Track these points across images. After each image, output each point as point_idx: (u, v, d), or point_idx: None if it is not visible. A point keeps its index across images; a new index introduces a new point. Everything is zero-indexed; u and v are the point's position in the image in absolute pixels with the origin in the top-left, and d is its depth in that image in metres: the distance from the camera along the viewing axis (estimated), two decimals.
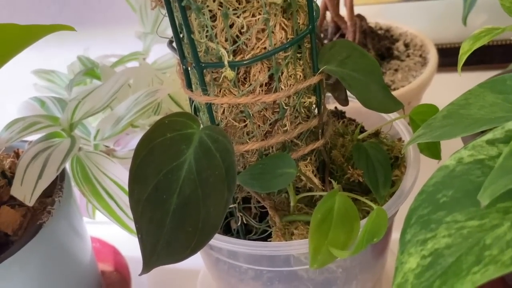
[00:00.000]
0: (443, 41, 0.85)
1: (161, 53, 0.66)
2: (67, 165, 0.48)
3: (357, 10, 0.70)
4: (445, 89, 0.60)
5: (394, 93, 0.60)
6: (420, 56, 0.68)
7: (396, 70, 0.65)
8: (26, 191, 0.41)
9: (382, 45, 0.68)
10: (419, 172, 0.39)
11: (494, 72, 0.53)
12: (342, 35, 0.68)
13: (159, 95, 0.51)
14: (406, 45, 0.70)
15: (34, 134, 0.47)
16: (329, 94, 0.41)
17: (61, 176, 0.45)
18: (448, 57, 0.76)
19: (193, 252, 0.30)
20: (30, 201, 0.40)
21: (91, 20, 0.96)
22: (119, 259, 0.58)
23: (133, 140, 0.55)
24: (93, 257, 0.52)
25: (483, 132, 0.28)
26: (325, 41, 0.70)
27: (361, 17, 0.67)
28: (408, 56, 0.68)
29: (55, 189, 0.44)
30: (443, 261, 0.23)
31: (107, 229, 0.58)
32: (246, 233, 0.39)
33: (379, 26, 0.74)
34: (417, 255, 0.23)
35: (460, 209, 0.24)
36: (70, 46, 0.68)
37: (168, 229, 0.30)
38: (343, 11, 0.66)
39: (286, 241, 0.36)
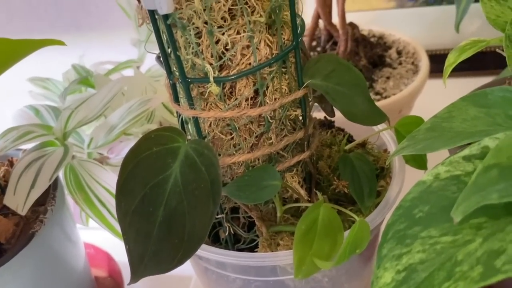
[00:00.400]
0: (437, 47, 0.85)
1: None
2: (61, 173, 0.49)
3: (351, 16, 0.70)
4: (437, 95, 0.61)
5: (385, 101, 0.61)
6: (412, 63, 0.68)
7: (388, 77, 0.66)
8: (18, 200, 0.42)
9: (374, 53, 0.68)
10: (405, 182, 0.39)
11: (488, 79, 0.54)
12: (335, 43, 0.69)
13: (152, 104, 0.52)
14: (399, 53, 0.71)
15: (28, 143, 0.47)
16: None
17: (54, 185, 0.46)
18: (441, 63, 0.76)
19: (179, 263, 0.31)
20: (22, 211, 0.41)
21: (88, 24, 0.97)
22: (112, 265, 0.59)
23: (127, 147, 0.56)
24: (87, 263, 0.53)
25: (467, 145, 0.29)
26: (318, 49, 0.70)
27: (353, 25, 0.67)
28: (400, 63, 0.69)
29: (48, 198, 0.44)
30: (416, 276, 0.23)
31: (101, 235, 0.58)
32: (235, 242, 0.40)
33: (372, 33, 0.75)
34: (392, 270, 0.24)
35: (435, 225, 0.25)
36: (67, 50, 0.69)
37: (154, 240, 0.31)
38: (336, 19, 0.67)
39: (272, 251, 0.36)
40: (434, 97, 0.62)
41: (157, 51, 0.35)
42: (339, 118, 0.46)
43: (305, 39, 0.70)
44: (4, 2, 0.95)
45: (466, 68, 0.74)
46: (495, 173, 0.24)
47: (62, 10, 0.96)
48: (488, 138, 0.28)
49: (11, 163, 0.50)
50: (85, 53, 0.70)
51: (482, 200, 0.23)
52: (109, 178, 0.49)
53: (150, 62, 0.68)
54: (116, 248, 0.60)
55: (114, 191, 0.48)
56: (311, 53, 0.70)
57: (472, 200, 0.23)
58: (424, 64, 0.66)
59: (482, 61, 0.84)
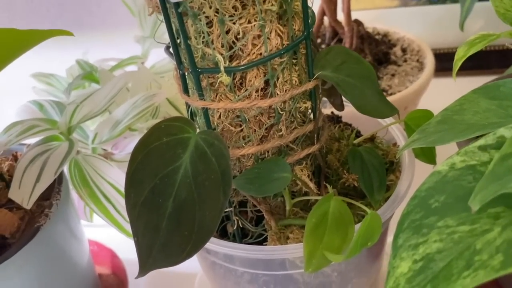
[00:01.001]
0: (441, 46, 0.85)
1: (160, 57, 0.66)
2: (65, 168, 0.48)
3: (355, 15, 0.70)
4: (442, 93, 0.61)
5: (390, 98, 0.60)
6: (417, 61, 0.68)
7: (393, 75, 0.66)
8: (24, 194, 0.41)
9: (379, 50, 0.68)
10: (414, 177, 0.39)
11: (491, 78, 0.54)
12: (340, 40, 0.68)
13: (157, 99, 0.51)
14: (404, 50, 0.71)
15: (33, 138, 0.47)
16: (325, 99, 0.41)
17: (59, 179, 0.45)
18: (445, 62, 0.76)
19: (188, 255, 0.31)
20: (27, 204, 0.41)
21: (90, 24, 0.97)
22: (116, 262, 0.58)
23: (131, 143, 0.56)
24: (91, 260, 0.53)
25: (478, 138, 0.29)
26: (323, 46, 0.70)
27: (358, 22, 0.67)
28: (405, 61, 0.69)
29: (53, 192, 0.44)
30: (434, 266, 0.23)
31: (104, 232, 0.58)
32: (242, 236, 0.39)
33: (377, 31, 0.75)
34: (409, 260, 0.24)
35: (452, 214, 0.25)
36: (70, 49, 0.69)
37: (164, 232, 0.31)
38: (341, 16, 0.67)
39: (282, 245, 0.36)
40: (438, 95, 0.62)
41: (164, 45, 0.35)
42: (346, 113, 0.46)
43: None
44: (6, 1, 0.95)
45: (470, 67, 0.74)
46: None
47: (64, 9, 0.96)
48: (504, 128, 0.27)
49: (15, 158, 0.49)
50: (88, 52, 0.70)
51: (501, 188, 0.23)
52: (114, 173, 0.48)
53: (154, 58, 0.67)
54: (120, 245, 0.60)
55: (119, 187, 0.48)
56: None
57: (490, 189, 0.23)
58: (430, 61, 0.66)
59: (486, 60, 0.84)
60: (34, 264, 0.41)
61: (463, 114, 0.33)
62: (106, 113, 0.57)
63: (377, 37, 0.73)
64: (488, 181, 0.23)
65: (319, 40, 0.71)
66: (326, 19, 0.69)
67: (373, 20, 0.78)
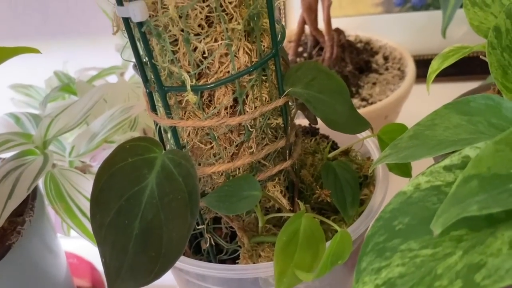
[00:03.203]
0: (424, 52, 0.85)
1: None
2: (41, 183, 0.48)
3: (339, 22, 0.70)
4: (425, 100, 0.60)
5: (371, 107, 0.60)
6: (399, 69, 0.68)
7: (374, 83, 0.66)
8: None
9: (360, 59, 0.68)
10: (389, 190, 0.39)
11: (475, 84, 0.54)
12: (321, 49, 0.68)
13: (134, 111, 0.51)
14: (386, 58, 0.71)
15: (7, 152, 0.46)
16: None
17: (33, 195, 0.45)
18: (428, 68, 0.76)
19: (156, 277, 0.30)
20: None
21: (74, 30, 0.96)
22: (95, 275, 0.58)
23: None
24: (69, 274, 0.52)
25: (453, 153, 0.29)
26: (305, 55, 0.70)
27: (339, 31, 0.67)
28: (386, 69, 0.68)
29: (26, 208, 0.43)
30: None
31: (84, 244, 0.57)
32: (217, 252, 0.39)
33: (359, 39, 0.74)
34: (371, 284, 0.24)
35: (415, 237, 0.24)
36: (54, 56, 0.68)
37: (131, 254, 0.30)
38: (322, 25, 0.67)
39: (254, 263, 0.35)
40: (421, 102, 0.62)
41: (131, 60, 0.35)
42: (323, 125, 0.46)
43: (292, 45, 0.69)
44: None
45: (454, 73, 0.74)
46: (475, 184, 0.23)
47: (48, 15, 0.95)
48: (469, 148, 0.27)
49: None
50: (71, 59, 0.70)
51: (462, 212, 0.22)
52: (90, 187, 0.48)
53: None
54: (99, 257, 0.59)
55: None
56: (297, 59, 0.69)
57: (451, 212, 0.23)
58: (411, 69, 0.66)
59: (469, 66, 0.84)
60: (7, 281, 0.41)
61: (434, 129, 0.33)
62: (84, 125, 0.56)
63: (359, 45, 0.73)
64: (450, 204, 0.23)
65: (300, 49, 0.71)
66: (307, 28, 0.69)
67: (356, 27, 0.78)
